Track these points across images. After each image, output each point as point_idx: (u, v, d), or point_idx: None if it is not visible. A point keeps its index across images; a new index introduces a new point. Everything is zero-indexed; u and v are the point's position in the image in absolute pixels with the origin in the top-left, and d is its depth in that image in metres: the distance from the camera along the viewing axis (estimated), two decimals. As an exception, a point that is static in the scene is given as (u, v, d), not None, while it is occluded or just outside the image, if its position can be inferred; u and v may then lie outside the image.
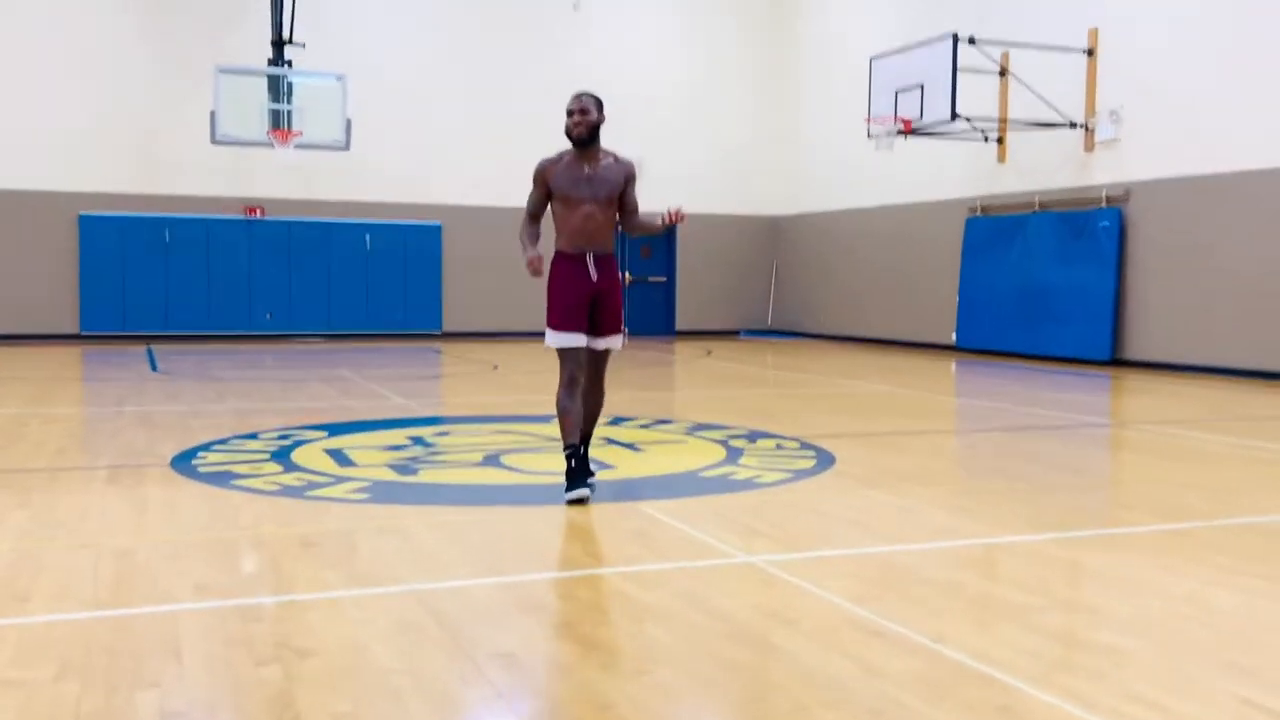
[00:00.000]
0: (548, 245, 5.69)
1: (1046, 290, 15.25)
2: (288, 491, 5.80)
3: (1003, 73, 15.52)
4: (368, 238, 19.28)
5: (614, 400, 9.81)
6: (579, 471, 5.68)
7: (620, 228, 6.06)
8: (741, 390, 11.99)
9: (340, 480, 6.10)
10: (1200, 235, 13.35)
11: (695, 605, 3.88)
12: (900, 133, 15.12)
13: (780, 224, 21.78)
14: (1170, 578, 4.30)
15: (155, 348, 16.68)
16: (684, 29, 21.17)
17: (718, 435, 7.89)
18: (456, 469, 6.63)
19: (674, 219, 5.83)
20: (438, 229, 19.68)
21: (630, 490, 6.02)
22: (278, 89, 16.65)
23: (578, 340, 5.77)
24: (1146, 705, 2.97)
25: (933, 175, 17.50)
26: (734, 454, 7.09)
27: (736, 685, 3.20)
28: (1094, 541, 5.01)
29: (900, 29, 17.23)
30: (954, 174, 17.11)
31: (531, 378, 11.77)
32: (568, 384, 5.75)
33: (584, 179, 5.78)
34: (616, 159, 5.92)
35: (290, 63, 17.13)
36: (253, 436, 7.69)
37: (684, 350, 17.64)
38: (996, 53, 15.39)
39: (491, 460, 6.85)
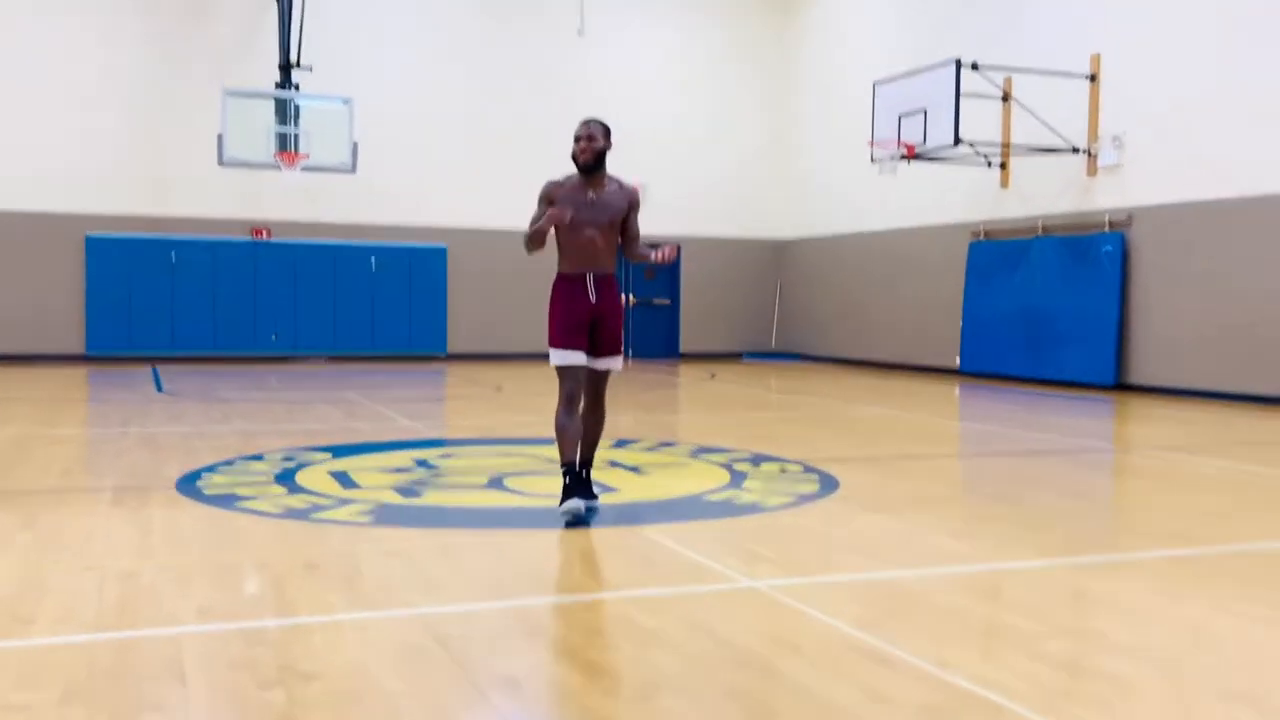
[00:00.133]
0: (550, 266, 5.72)
1: (1050, 315, 15.26)
2: (292, 514, 5.81)
3: (1005, 98, 15.58)
4: (373, 259, 19.34)
5: (617, 422, 9.83)
6: (574, 489, 5.76)
7: (622, 253, 6.11)
8: (745, 413, 11.99)
9: (344, 502, 6.11)
10: (1204, 260, 13.37)
11: (699, 630, 3.87)
12: (903, 157, 15.18)
13: (784, 247, 21.83)
14: (1174, 604, 4.29)
15: (160, 368, 16.72)
16: (688, 53, 21.27)
17: (721, 458, 7.89)
18: (461, 491, 6.63)
19: (663, 258, 5.86)
20: (443, 251, 19.74)
21: (634, 514, 6.02)
22: (285, 112, 16.73)
23: (577, 358, 5.83)
24: (1151, 733, 2.96)
25: (936, 199, 17.54)
26: (738, 478, 7.09)
27: (740, 711, 3.19)
28: (1098, 567, 5.01)
29: (903, 54, 17.32)
30: (957, 198, 17.15)
31: (535, 399, 11.78)
32: (566, 402, 5.82)
33: (587, 204, 5.85)
34: (621, 185, 5.99)
35: (298, 86, 17.22)
36: (257, 458, 7.70)
37: (687, 372, 17.65)
38: (999, 78, 15.46)
39: (495, 483, 6.85)
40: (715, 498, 6.45)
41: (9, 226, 17.56)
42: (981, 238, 16.67)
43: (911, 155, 15.12)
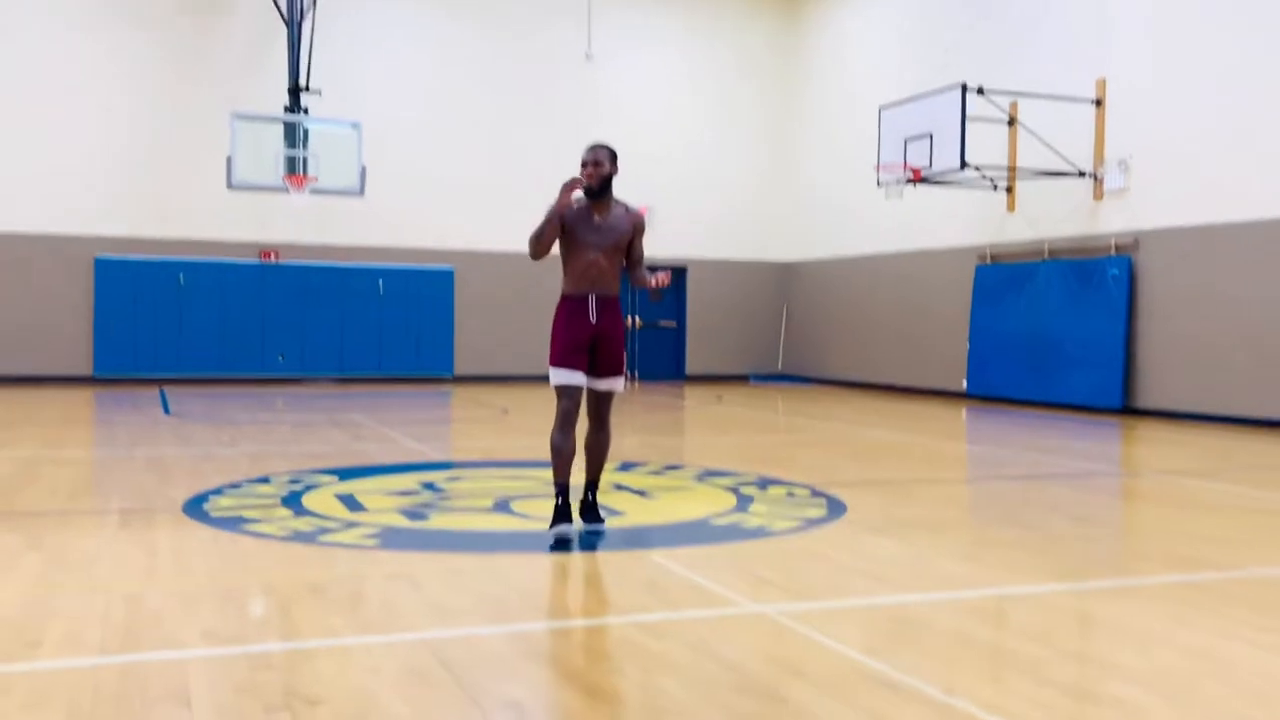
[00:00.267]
0: (556, 288, 5.74)
1: (1057, 338, 15.25)
2: (298, 537, 5.81)
3: (1011, 122, 15.62)
4: (381, 282, 19.40)
5: (623, 445, 9.82)
6: (565, 512, 5.85)
7: (629, 277, 6.14)
8: (751, 436, 11.97)
9: (351, 525, 6.11)
10: (1210, 284, 13.36)
11: (705, 655, 3.86)
12: (910, 181, 15.21)
13: (790, 270, 21.86)
14: (1184, 630, 4.27)
15: (168, 390, 16.75)
16: (694, 78, 21.37)
17: (728, 482, 7.88)
18: (467, 515, 6.63)
19: (658, 284, 5.90)
20: (450, 273, 19.79)
21: (640, 538, 6.02)
22: (294, 135, 16.82)
23: (575, 378, 5.88)
24: (1160, 761, 2.94)
25: (942, 223, 17.57)
26: (744, 501, 7.08)
27: (746, 737, 3.18)
28: (1106, 592, 4.98)
29: (909, 79, 17.38)
30: (963, 222, 17.17)
31: (542, 422, 11.72)
32: (562, 422, 5.88)
33: (593, 227, 5.91)
34: (627, 209, 6.04)
35: (306, 110, 17.32)
36: (264, 480, 7.70)
37: (694, 395, 17.65)
38: (1005, 102, 15.50)
39: (502, 506, 6.84)
40: (722, 521, 6.43)
41: (19, 248, 17.64)
42: (988, 261, 16.68)
43: (918, 179, 15.16)
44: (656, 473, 8.39)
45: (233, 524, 6.12)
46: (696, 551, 5.63)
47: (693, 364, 21.56)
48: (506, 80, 20.09)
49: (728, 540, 5.90)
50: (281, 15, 17.68)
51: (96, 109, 18.00)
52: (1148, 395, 14.14)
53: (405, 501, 6.95)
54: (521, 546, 5.82)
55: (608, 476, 7.54)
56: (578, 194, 5.94)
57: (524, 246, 6.11)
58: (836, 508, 6.88)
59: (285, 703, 3.32)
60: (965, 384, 16.95)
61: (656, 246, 20.22)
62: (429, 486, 7.59)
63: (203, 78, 18.44)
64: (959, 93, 14.41)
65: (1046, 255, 15.59)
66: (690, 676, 3.64)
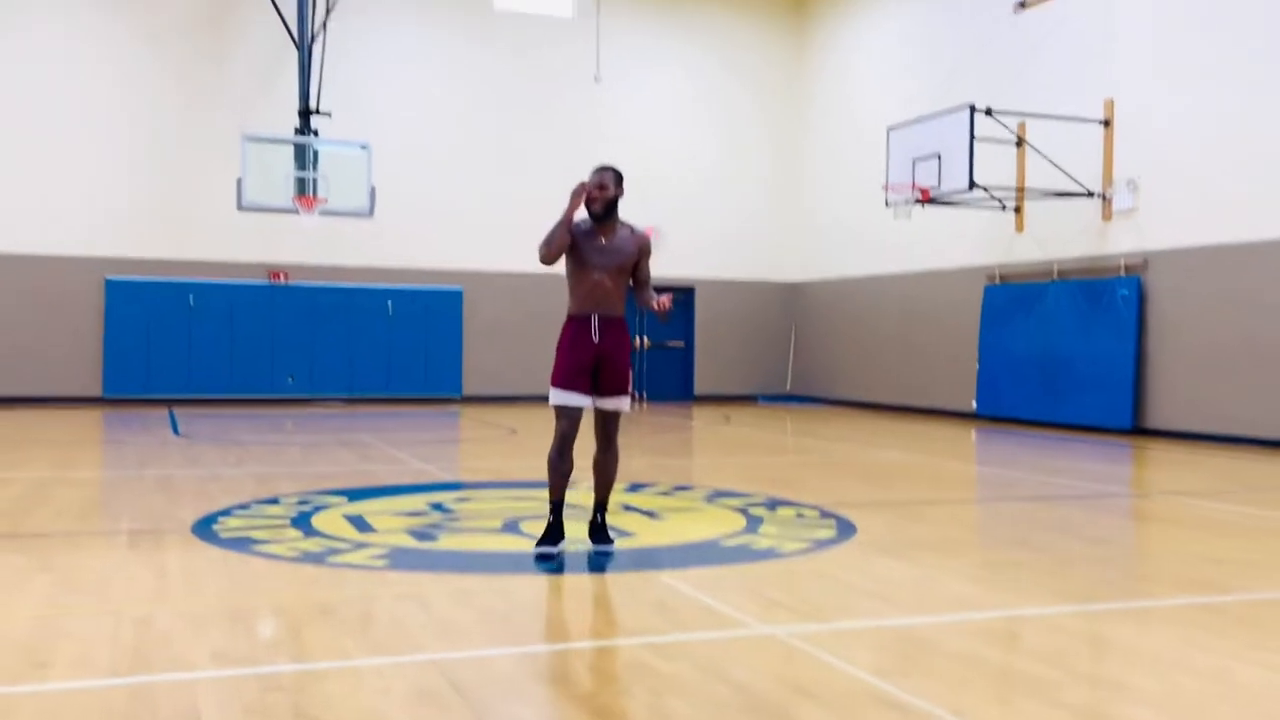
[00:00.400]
0: (563, 308, 5.77)
1: (1066, 359, 15.22)
2: (307, 558, 5.81)
3: (1020, 142, 15.63)
4: (390, 303, 19.44)
5: (632, 466, 9.82)
6: (556, 530, 5.94)
7: (636, 299, 6.17)
8: (760, 457, 11.95)
9: (360, 546, 6.11)
10: (1220, 304, 13.34)
11: (715, 677, 3.85)
12: (918, 201, 15.22)
13: (799, 290, 21.86)
14: (1197, 652, 4.25)
15: (177, 411, 16.78)
16: (703, 99, 21.44)
17: (737, 503, 7.87)
18: (476, 535, 6.63)
19: (659, 307, 5.93)
20: (458, 294, 19.83)
21: (649, 559, 6.01)
22: (303, 157, 16.90)
23: (573, 400, 5.92)
24: (1174, 785, 2.92)
25: (951, 243, 17.57)
26: (754, 522, 7.07)
27: (757, 760, 3.17)
28: (1118, 614, 4.96)
29: (917, 99, 17.42)
30: (972, 242, 17.17)
31: (550, 442, 11.74)
32: (559, 441, 5.95)
33: (598, 249, 5.95)
34: (633, 231, 6.07)
35: (316, 132, 17.40)
36: (273, 501, 7.71)
37: (702, 415, 17.63)
38: (1013, 123, 15.52)
39: (511, 527, 6.84)
40: (731, 543, 6.42)
41: (30, 269, 17.73)
42: (997, 281, 16.67)
43: (926, 199, 15.18)
44: (666, 494, 8.38)
45: (242, 545, 6.12)
46: (706, 573, 5.62)
47: (701, 384, 21.55)
48: (515, 101, 20.19)
49: (737, 561, 5.89)
50: (292, 38, 17.79)
51: (107, 131, 18.11)
52: (1158, 416, 14.10)
53: (414, 522, 6.95)
54: (530, 567, 5.81)
55: (617, 497, 7.54)
56: (583, 214, 5.98)
57: (533, 267, 6.17)
58: (846, 529, 6.87)
59: (295, 724, 3.31)
60: (974, 405, 16.92)
61: (665, 267, 20.26)
62: (437, 507, 7.59)
63: (213, 100, 18.55)
64: (967, 113, 14.43)
65: (1055, 275, 15.58)
66: (700, 698, 3.63)
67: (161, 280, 18.30)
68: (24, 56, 17.79)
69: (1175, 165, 13.90)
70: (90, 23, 18.13)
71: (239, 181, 16.55)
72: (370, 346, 19.39)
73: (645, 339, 21.08)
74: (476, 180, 19.84)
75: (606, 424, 6.07)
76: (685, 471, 10.65)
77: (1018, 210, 16.20)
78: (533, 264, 6.29)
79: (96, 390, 18.06)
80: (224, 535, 6.42)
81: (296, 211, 16.78)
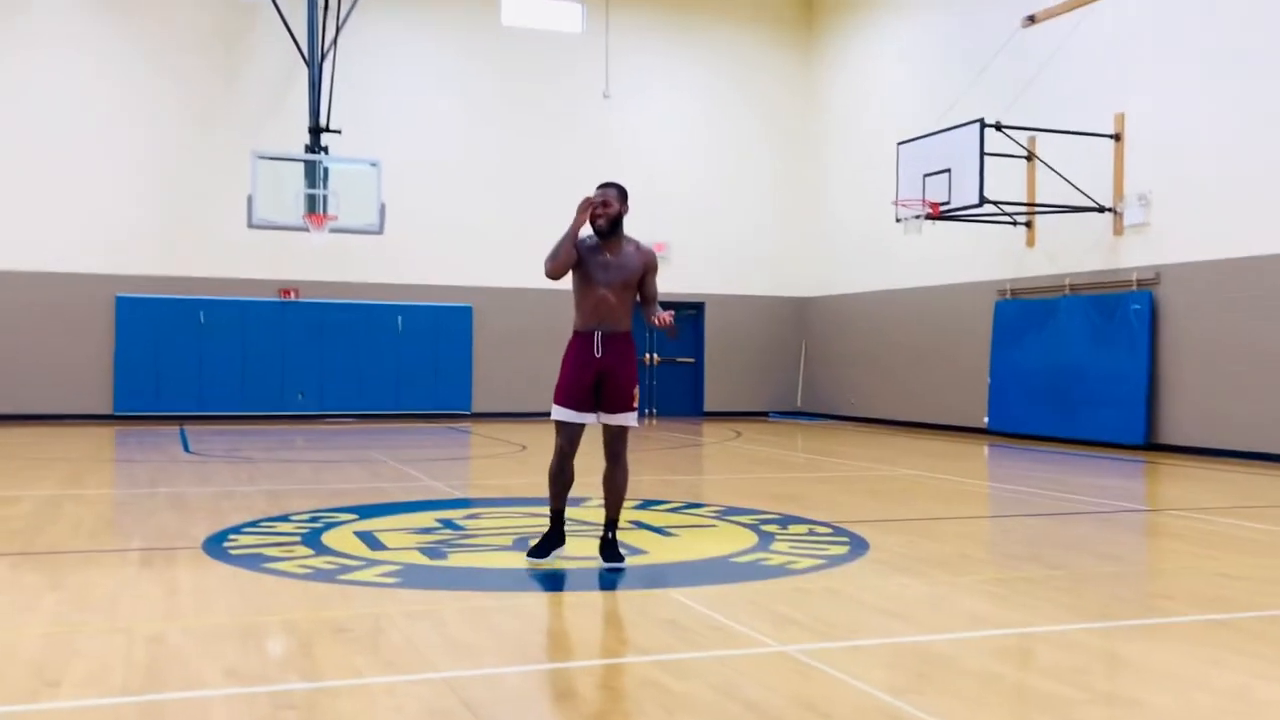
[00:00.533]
0: (567, 323, 5.79)
1: (1079, 374, 15.17)
2: (318, 575, 5.79)
3: (1030, 157, 15.62)
4: (399, 319, 19.48)
5: (643, 483, 9.80)
6: (552, 537, 6.15)
7: (643, 315, 6.18)
8: (772, 473, 11.92)
9: (371, 564, 6.09)
10: (1233, 318, 13.29)
11: (729, 696, 3.82)
12: (928, 216, 15.21)
13: (809, 305, 21.85)
14: (1215, 670, 4.21)
15: (188, 428, 16.81)
16: (712, 114, 21.49)
17: (749, 520, 7.84)
18: (487, 553, 6.61)
19: (660, 324, 5.94)
20: (468, 310, 19.86)
21: (661, 576, 5.98)
22: (314, 174, 16.96)
23: (572, 416, 5.98)
24: (1194, 805, 2.89)
25: (961, 258, 17.55)
26: (766, 539, 7.04)
27: (772, 780, 3.14)
28: (1134, 631, 4.92)
29: (927, 114, 17.41)
30: (983, 257, 17.15)
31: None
32: (558, 456, 6.08)
33: (602, 265, 5.99)
34: (638, 247, 6.09)
35: (326, 149, 17.46)
36: (284, 519, 7.70)
37: (712, 432, 17.60)
38: (1023, 138, 15.52)
39: (522, 544, 6.81)
40: (743, 560, 6.39)
41: (41, 287, 17.80)
42: (1008, 296, 16.64)
43: (936, 214, 15.16)
44: (677, 510, 8.35)
45: (253, 562, 6.11)
46: (718, 590, 5.60)
47: (711, 400, 21.52)
48: (524, 118, 20.25)
49: (750, 579, 5.86)
50: (302, 55, 17.87)
51: (119, 148, 18.21)
52: (1171, 431, 14.03)
53: (425, 539, 6.94)
54: (542, 585, 5.79)
55: (628, 514, 7.52)
56: (589, 230, 6.00)
57: (543, 283, 6.19)
58: (859, 545, 6.84)
59: (306, 744, 3.29)
60: (986, 420, 16.86)
61: (675, 283, 20.30)
62: (448, 524, 7.58)
63: (224, 117, 18.65)
64: (977, 128, 14.44)
65: (1067, 290, 15.54)
66: (712, 717, 3.60)
67: (172, 297, 18.37)
68: (35, 75, 17.90)
69: (1187, 179, 13.87)
70: (100, 42, 18.24)
71: (249, 199, 16.61)
72: (380, 363, 19.41)
73: (655, 355, 21.07)
74: (486, 196, 19.89)
75: (613, 440, 6.08)
76: (696, 488, 10.62)
77: (1028, 225, 16.17)
78: (542, 280, 6.30)
79: (107, 408, 18.10)
80: (235, 553, 6.41)
81: (307, 228, 16.83)
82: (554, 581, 5.86)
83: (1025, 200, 15.81)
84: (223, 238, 18.37)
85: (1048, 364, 15.67)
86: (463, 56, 20.06)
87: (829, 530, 7.41)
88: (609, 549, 6.09)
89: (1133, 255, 14.65)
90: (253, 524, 7.44)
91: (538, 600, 5.46)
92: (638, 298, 6.16)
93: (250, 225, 16.82)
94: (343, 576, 5.76)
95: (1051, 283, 15.87)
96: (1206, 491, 10.37)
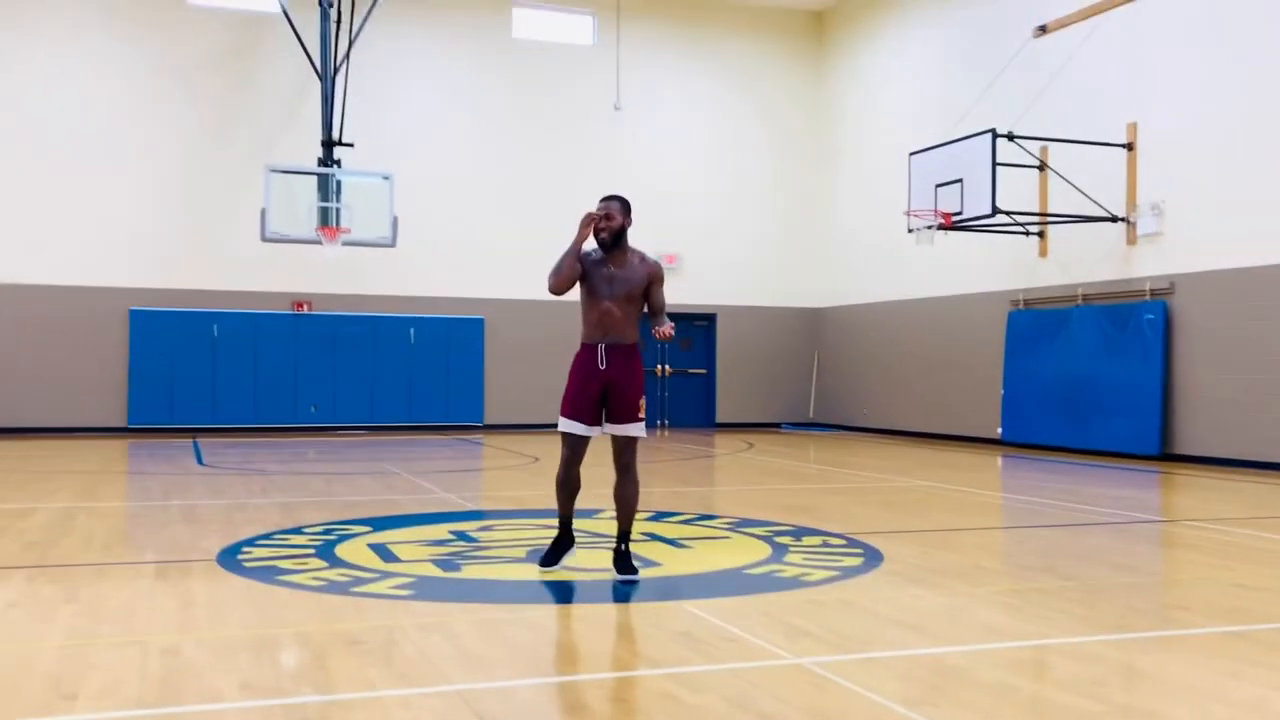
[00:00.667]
0: (575, 336, 5.81)
1: (1093, 384, 15.12)
2: (332, 587, 5.80)
3: (1042, 167, 15.60)
4: (412, 331, 19.52)
5: (655, 495, 9.79)
6: (563, 543, 6.26)
7: (650, 326, 6.19)
8: (785, 484, 11.89)
9: (384, 576, 6.10)
10: (1247, 328, 13.23)
11: (743, 708, 3.81)
12: (941, 227, 15.19)
13: (821, 316, 21.83)
14: (1232, 682, 4.18)
15: (201, 441, 16.86)
16: (722, 126, 21.51)
17: (762, 531, 7.82)
18: (500, 565, 6.60)
19: (661, 335, 5.95)
20: (480, 322, 19.89)
21: (675, 589, 5.97)
22: (326, 187, 17.03)
23: (577, 428, 6.03)
24: (1214, 819, 2.87)
25: (974, 268, 17.52)
26: (779, 551, 7.02)
27: (787, 793, 3.12)
28: (1150, 643, 4.89)
29: (938, 124, 17.41)
30: (995, 267, 17.12)
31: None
32: (563, 466, 6.14)
33: (607, 278, 6.03)
34: (643, 259, 6.11)
35: (339, 162, 17.54)
36: (297, 531, 7.71)
37: (725, 443, 17.58)
38: (1036, 147, 15.50)
39: (535, 556, 6.79)
40: (757, 571, 6.38)
41: (55, 300, 17.89)
42: (1021, 306, 16.60)
43: (949, 225, 15.14)
44: (690, 522, 8.34)
45: (267, 575, 6.12)
46: (732, 602, 5.58)
47: (723, 412, 21.50)
48: (536, 130, 20.31)
49: (763, 590, 5.85)
50: (315, 69, 17.96)
51: (132, 162, 18.31)
52: (1186, 441, 13.97)
53: (438, 551, 6.94)
54: (556, 597, 5.78)
55: (640, 526, 7.52)
56: (593, 244, 6.02)
57: (554, 295, 6.19)
58: (873, 557, 6.81)
59: (321, 756, 3.29)
60: (999, 431, 16.81)
61: (687, 294, 20.31)
62: (461, 536, 7.58)
63: (237, 131, 18.74)
64: (989, 138, 14.42)
65: (1080, 300, 15.50)
66: (729, 730, 3.59)
67: (186, 310, 18.44)
68: (49, 90, 18.01)
69: (1200, 188, 13.83)
70: (114, 56, 18.36)
71: (263, 212, 16.68)
72: (393, 375, 19.46)
73: (667, 366, 21.07)
74: (498, 209, 19.94)
75: (622, 451, 6.10)
76: (709, 500, 10.61)
77: (1041, 235, 16.14)
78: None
79: (121, 420, 18.17)
80: (249, 565, 6.42)
81: (320, 242, 16.89)
82: (567, 594, 5.85)
83: (1038, 210, 15.77)
84: (236, 251, 18.45)
85: (1061, 374, 15.62)
86: (474, 69, 20.14)
87: (843, 542, 7.39)
88: (622, 561, 6.08)
89: (1146, 265, 14.61)
90: (266, 536, 7.45)
91: (551, 613, 5.45)
92: (645, 309, 6.17)
93: (263, 238, 16.89)
94: (356, 589, 5.77)
95: (1065, 293, 15.83)
96: (1222, 502, 10.32)
